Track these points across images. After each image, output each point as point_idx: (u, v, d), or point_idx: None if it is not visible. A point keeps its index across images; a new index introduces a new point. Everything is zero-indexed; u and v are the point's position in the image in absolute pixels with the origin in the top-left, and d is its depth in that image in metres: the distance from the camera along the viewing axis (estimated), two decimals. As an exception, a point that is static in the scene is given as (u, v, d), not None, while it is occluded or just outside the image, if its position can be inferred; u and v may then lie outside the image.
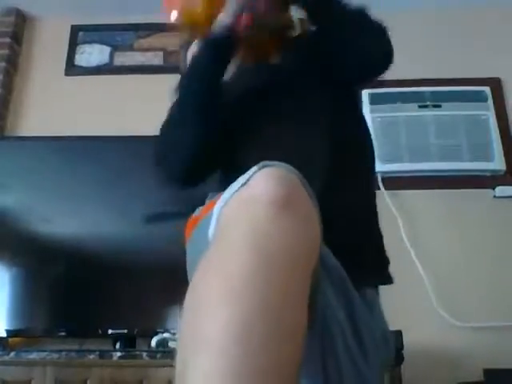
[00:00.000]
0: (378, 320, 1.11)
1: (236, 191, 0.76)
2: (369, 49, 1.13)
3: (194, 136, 1.13)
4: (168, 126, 1.18)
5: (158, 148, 1.20)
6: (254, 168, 0.77)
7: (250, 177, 0.76)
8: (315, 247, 0.76)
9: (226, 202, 0.77)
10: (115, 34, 3.04)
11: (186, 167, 1.17)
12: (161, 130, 1.20)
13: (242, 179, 0.77)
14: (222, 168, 1.21)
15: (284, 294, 0.67)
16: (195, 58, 1.15)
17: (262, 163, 0.78)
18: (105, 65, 2.99)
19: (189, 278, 0.97)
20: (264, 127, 1.13)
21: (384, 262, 1.16)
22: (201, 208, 1.06)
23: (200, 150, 1.14)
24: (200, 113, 1.12)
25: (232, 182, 0.81)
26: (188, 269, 1.04)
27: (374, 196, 1.22)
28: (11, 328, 2.30)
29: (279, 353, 0.63)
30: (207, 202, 1.07)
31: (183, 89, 1.15)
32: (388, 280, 1.14)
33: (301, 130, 1.12)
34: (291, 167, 0.79)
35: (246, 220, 0.70)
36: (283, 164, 0.78)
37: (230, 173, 1.00)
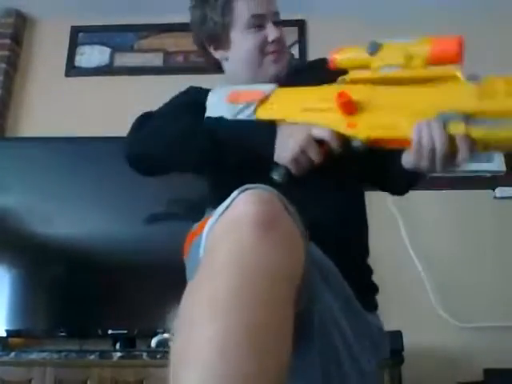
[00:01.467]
0: (373, 317, 1.13)
1: (220, 214, 0.80)
2: (405, 191, 1.31)
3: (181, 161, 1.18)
4: (171, 129, 1.18)
5: (145, 131, 1.22)
6: (236, 192, 0.81)
7: (233, 200, 0.80)
8: (299, 262, 0.79)
9: (212, 225, 0.81)
10: (115, 35, 3.05)
11: (161, 168, 1.23)
12: (162, 120, 1.22)
13: (225, 203, 0.81)
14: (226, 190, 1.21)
15: (268, 309, 0.69)
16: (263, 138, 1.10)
17: (243, 187, 0.81)
18: (105, 66, 3.00)
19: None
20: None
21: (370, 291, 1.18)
22: (197, 224, 1.10)
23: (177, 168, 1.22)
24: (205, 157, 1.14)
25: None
26: (187, 275, 1.08)
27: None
28: (11, 328, 2.30)
29: (265, 366, 0.66)
30: (204, 218, 1.10)
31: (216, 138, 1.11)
32: (373, 308, 1.16)
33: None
34: (271, 188, 0.82)
35: (230, 241, 0.74)
36: (263, 186, 0.82)
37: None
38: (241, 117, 1.13)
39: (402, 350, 2.00)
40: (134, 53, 3.01)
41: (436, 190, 2.63)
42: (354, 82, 1.06)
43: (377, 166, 1.21)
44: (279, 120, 1.11)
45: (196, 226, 1.10)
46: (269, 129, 1.10)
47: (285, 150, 1.06)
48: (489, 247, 2.52)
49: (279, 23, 1.25)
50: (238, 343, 0.64)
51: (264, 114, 1.13)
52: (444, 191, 2.64)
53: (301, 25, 2.93)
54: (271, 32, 1.22)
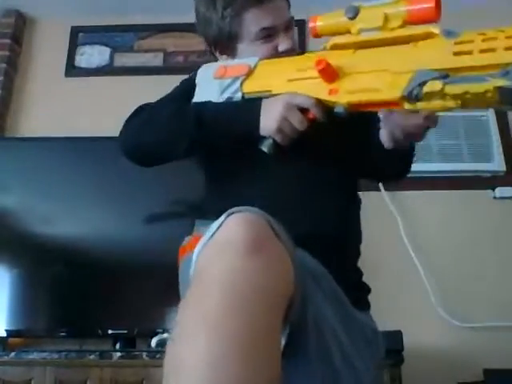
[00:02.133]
0: (367, 318, 1.14)
1: (209, 238, 0.83)
2: (403, 174, 1.27)
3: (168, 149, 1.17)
4: (163, 118, 1.18)
5: (140, 124, 1.22)
6: (223, 216, 0.84)
7: (221, 224, 0.82)
8: (287, 280, 0.82)
9: (202, 249, 0.84)
10: (115, 35, 3.05)
11: (153, 159, 1.23)
12: (156, 112, 1.21)
13: (213, 226, 0.84)
14: (215, 194, 1.22)
15: (257, 325, 0.72)
16: (247, 118, 1.10)
17: (229, 210, 0.84)
18: (105, 66, 3.00)
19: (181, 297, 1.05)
20: (270, 171, 1.14)
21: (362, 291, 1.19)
22: (188, 238, 1.13)
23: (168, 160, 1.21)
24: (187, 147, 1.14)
25: (223, 212, 0.87)
26: (181, 293, 1.10)
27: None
28: (11, 328, 2.30)
29: (256, 376, 0.68)
30: (194, 232, 1.13)
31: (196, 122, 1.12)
32: (367, 307, 1.17)
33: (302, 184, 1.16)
34: (257, 209, 0.84)
35: (219, 262, 0.77)
36: (250, 208, 0.84)
37: (223, 201, 1.04)
38: (228, 91, 1.13)
39: (402, 349, 2.00)
40: (133, 53, 3.02)
41: (436, 190, 2.64)
42: (335, 48, 1.06)
43: (362, 147, 1.19)
44: (265, 92, 1.11)
45: (186, 240, 1.13)
46: (253, 104, 1.10)
47: (268, 120, 1.06)
48: (489, 247, 2.52)
49: (291, 27, 1.21)
50: (230, 355, 0.67)
51: (250, 87, 1.13)
52: (444, 191, 2.64)
53: (301, 25, 2.93)
54: (282, 42, 1.17)
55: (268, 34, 1.17)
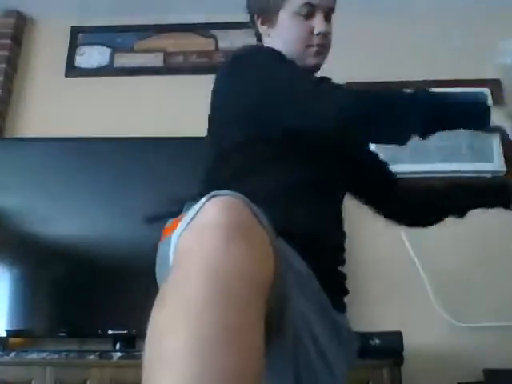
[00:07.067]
0: (345, 320, 1.15)
1: (189, 222, 0.80)
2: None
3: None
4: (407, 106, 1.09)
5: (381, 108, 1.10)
6: (204, 199, 0.81)
7: (201, 207, 0.80)
8: (267, 268, 0.79)
9: (181, 232, 0.81)
10: (115, 36, 3.05)
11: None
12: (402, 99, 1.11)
13: (193, 210, 0.81)
14: (231, 170, 1.20)
15: (240, 312, 0.69)
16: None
17: (211, 193, 0.81)
18: (105, 66, 3.00)
19: (158, 281, 1.04)
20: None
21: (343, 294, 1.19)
22: (172, 220, 1.09)
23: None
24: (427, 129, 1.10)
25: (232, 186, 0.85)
26: (157, 276, 1.09)
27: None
28: (11, 328, 2.30)
29: (239, 367, 0.65)
30: (183, 213, 1.10)
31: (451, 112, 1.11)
32: (345, 309, 1.18)
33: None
34: (239, 194, 0.81)
35: (198, 248, 0.74)
36: (231, 192, 0.82)
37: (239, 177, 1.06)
38: None
39: (402, 350, 2.00)
40: (134, 53, 3.02)
41: (436, 190, 2.64)
42: None
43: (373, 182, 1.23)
44: None
45: (170, 222, 1.10)
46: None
47: None
48: (489, 247, 2.52)
49: (330, 19, 1.26)
50: (214, 343, 0.64)
51: None
52: (444, 191, 2.64)
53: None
54: (318, 24, 1.21)
55: (309, 12, 1.21)
